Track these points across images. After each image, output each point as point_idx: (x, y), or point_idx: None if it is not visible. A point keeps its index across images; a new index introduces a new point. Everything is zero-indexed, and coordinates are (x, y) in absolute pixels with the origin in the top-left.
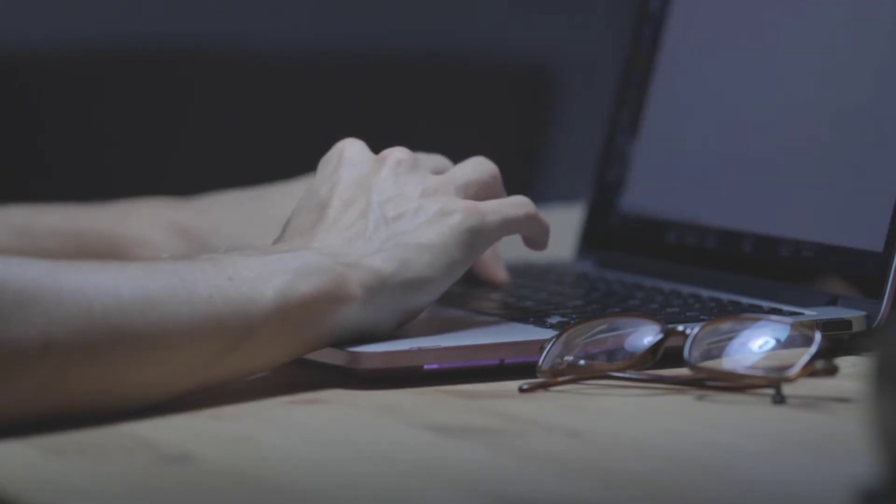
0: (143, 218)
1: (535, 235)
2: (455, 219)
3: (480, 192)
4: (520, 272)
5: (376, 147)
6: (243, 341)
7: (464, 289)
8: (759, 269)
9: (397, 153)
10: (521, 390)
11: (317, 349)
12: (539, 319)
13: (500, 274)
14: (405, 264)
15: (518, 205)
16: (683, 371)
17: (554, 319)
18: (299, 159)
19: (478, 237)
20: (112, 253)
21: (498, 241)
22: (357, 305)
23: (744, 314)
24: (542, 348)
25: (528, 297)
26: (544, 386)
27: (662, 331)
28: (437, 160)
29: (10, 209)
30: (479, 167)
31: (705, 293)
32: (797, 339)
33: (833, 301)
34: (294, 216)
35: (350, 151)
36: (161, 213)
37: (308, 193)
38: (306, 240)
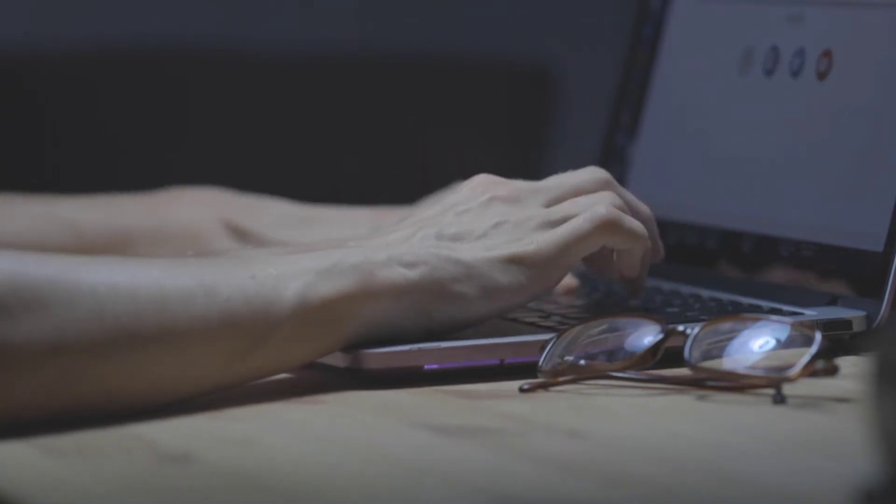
0: (193, 213)
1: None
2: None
3: None
4: None
5: (373, 147)
6: (261, 343)
7: None
8: (759, 269)
9: (501, 188)
10: (522, 390)
11: (341, 348)
12: (539, 319)
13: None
14: (435, 272)
15: (581, 221)
16: (683, 371)
17: (554, 319)
18: (299, 159)
19: (536, 271)
20: (158, 246)
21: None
22: (384, 305)
23: (744, 314)
24: (542, 348)
25: None
26: (544, 386)
27: (662, 331)
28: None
29: (57, 202)
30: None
31: (705, 293)
32: (797, 339)
33: (833, 301)
34: None
35: (470, 181)
36: (212, 208)
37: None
38: (346, 240)
